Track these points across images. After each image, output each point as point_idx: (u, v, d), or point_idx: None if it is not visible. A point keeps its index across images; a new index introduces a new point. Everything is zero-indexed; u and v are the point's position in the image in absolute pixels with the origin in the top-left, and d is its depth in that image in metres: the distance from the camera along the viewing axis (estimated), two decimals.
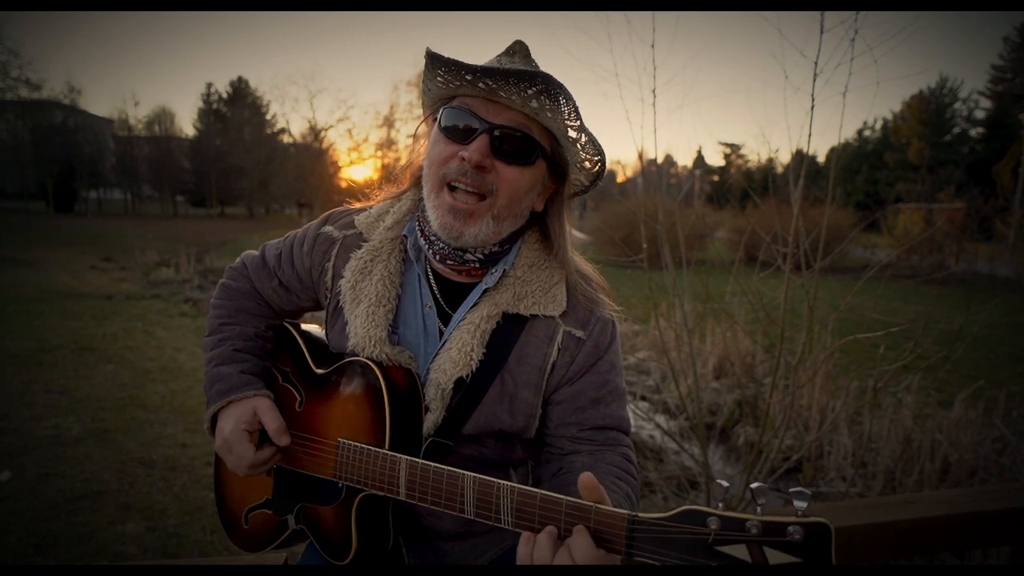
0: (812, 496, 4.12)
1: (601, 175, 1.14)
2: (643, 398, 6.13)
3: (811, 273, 3.08)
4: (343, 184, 46.78)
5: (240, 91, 54.30)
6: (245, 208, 53.44)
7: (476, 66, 0.95)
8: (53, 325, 8.07)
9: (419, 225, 1.14)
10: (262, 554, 1.29)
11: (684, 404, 4.07)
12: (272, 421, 1.09)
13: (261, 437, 1.12)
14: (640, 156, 3.65)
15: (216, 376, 1.15)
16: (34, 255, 16.43)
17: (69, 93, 44.94)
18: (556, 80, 0.95)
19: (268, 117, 53.28)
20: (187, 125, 76.43)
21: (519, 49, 1.05)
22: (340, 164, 50.18)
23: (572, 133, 1.03)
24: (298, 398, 1.16)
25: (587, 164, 1.11)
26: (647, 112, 3.30)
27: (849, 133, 44.31)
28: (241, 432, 1.08)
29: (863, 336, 3.07)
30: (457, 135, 1.02)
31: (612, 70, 3.25)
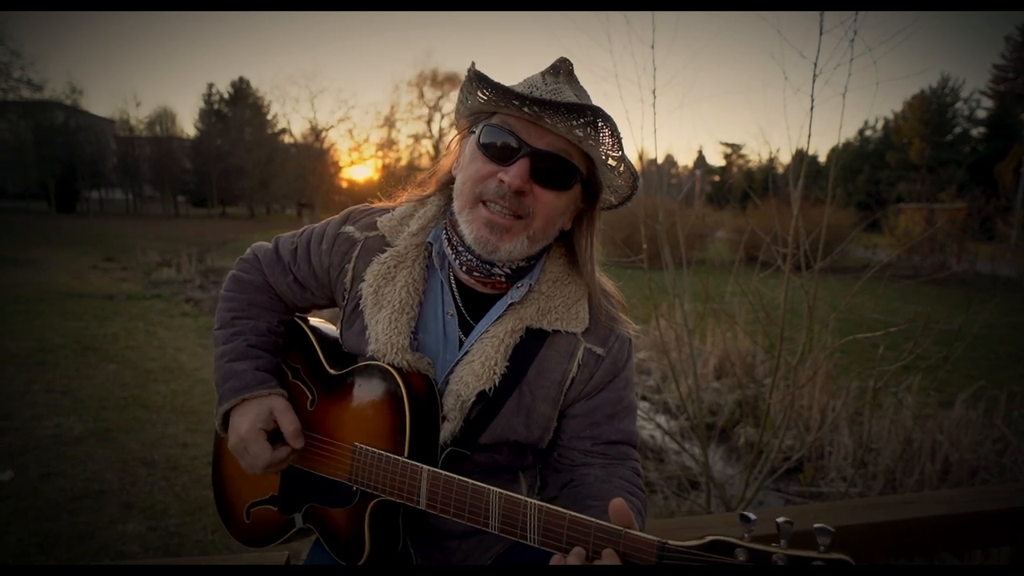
0: (811, 496, 4.13)
1: (632, 198, 1.13)
2: (644, 398, 6.13)
3: (811, 273, 3.08)
4: (344, 184, 46.91)
5: (241, 91, 54.30)
6: (246, 208, 53.41)
7: (526, 96, 0.93)
8: (54, 325, 8.08)
9: (446, 234, 1.12)
10: (263, 553, 1.29)
11: (684, 404, 4.07)
12: (289, 423, 1.09)
13: (274, 436, 1.11)
14: (640, 156, 3.66)
15: (229, 372, 1.13)
16: (35, 255, 16.45)
17: (71, 94, 45.00)
18: (605, 113, 0.94)
19: (269, 117, 53.32)
20: (188, 125, 76.55)
21: (564, 69, 1.04)
22: (341, 164, 50.31)
23: (612, 162, 1.03)
24: (310, 397, 1.15)
25: (621, 190, 1.11)
26: (647, 112, 3.30)
27: (850, 133, 44.27)
28: (258, 431, 1.07)
29: (863, 336, 3.07)
30: (496, 154, 1.00)
31: (612, 70, 3.26)
